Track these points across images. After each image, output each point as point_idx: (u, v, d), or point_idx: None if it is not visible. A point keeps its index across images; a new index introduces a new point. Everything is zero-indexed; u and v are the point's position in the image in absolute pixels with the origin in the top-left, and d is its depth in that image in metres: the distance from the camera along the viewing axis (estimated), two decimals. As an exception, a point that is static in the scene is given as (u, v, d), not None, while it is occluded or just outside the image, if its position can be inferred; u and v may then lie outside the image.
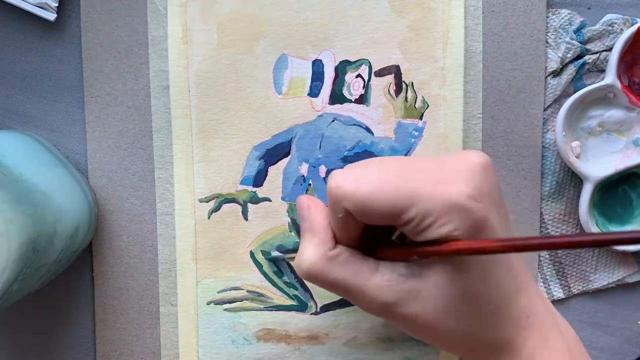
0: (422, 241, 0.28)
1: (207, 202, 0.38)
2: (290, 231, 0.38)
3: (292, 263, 0.31)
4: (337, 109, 0.38)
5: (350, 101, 0.38)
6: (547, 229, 0.40)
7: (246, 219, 0.38)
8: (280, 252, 0.38)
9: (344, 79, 0.38)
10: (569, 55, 0.38)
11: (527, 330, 0.30)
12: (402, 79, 0.38)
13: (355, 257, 0.30)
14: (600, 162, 0.39)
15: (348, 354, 0.39)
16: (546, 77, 0.38)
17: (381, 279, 0.29)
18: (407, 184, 0.27)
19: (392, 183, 0.27)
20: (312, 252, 0.30)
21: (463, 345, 0.30)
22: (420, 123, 0.38)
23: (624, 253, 0.40)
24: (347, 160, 0.38)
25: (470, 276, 0.28)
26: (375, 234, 0.32)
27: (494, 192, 0.29)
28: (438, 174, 0.28)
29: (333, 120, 0.38)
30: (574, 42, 0.38)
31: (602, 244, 0.24)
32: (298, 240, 0.38)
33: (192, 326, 0.39)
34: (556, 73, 0.38)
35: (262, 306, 0.39)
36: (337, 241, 0.31)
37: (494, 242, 0.26)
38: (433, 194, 0.27)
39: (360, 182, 0.28)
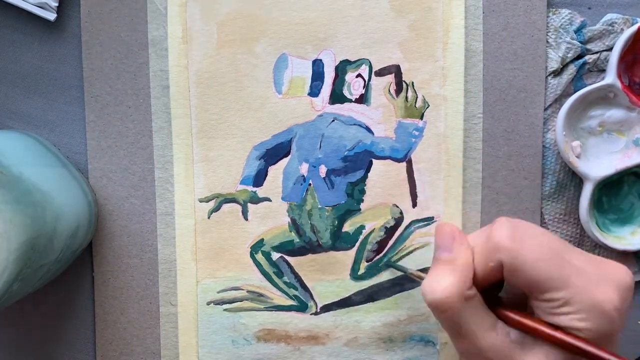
0: (545, 321, 0.29)
1: (207, 202, 0.38)
2: (290, 231, 0.38)
3: (421, 287, 0.31)
4: (337, 108, 0.38)
5: (350, 101, 0.38)
6: (548, 228, 0.39)
7: (246, 219, 0.38)
8: (398, 267, 0.38)
9: (344, 79, 0.38)
10: (569, 55, 0.38)
11: None
12: (403, 79, 0.38)
13: (482, 304, 0.30)
14: (600, 161, 0.39)
15: (348, 354, 0.39)
16: (547, 77, 0.38)
17: (497, 338, 0.30)
18: (570, 268, 0.28)
19: (557, 259, 0.28)
20: (450, 285, 0.29)
21: None
22: (420, 123, 0.38)
23: (624, 253, 0.39)
24: (347, 160, 0.38)
25: None
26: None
27: (626, 313, 0.30)
28: (596, 273, 0.29)
29: (333, 120, 0.38)
30: (574, 41, 0.38)
31: None
32: (298, 240, 0.38)
33: (192, 326, 0.39)
34: (557, 73, 0.38)
35: (262, 306, 0.39)
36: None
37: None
38: (588, 289, 0.28)
39: (527, 242, 0.29)
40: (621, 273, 0.30)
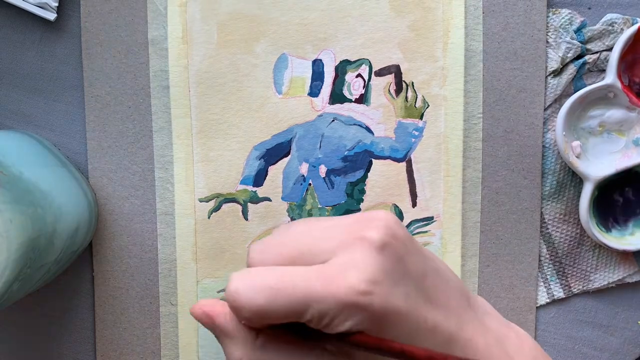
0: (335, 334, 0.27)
1: (207, 201, 0.38)
2: (291, 231, 0.38)
3: None
4: (337, 108, 0.38)
5: (350, 101, 0.38)
6: (548, 229, 0.40)
7: (246, 218, 0.38)
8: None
9: (344, 79, 0.38)
10: (569, 55, 0.38)
11: None
12: (403, 79, 0.38)
13: (280, 339, 0.29)
14: (600, 161, 0.39)
15: (348, 354, 0.39)
16: (546, 77, 0.38)
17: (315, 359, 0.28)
18: (301, 285, 0.26)
19: (287, 287, 0.26)
20: (240, 352, 0.28)
21: None
22: (420, 123, 0.38)
23: (624, 253, 0.40)
24: (347, 159, 0.38)
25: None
26: None
27: (398, 265, 0.27)
28: (334, 263, 0.27)
29: (333, 120, 0.38)
30: (574, 41, 0.38)
31: None
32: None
33: (192, 326, 0.39)
34: (556, 73, 0.38)
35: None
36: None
37: (393, 345, 0.26)
38: (324, 295, 0.26)
39: (256, 289, 0.27)
40: (363, 238, 0.27)
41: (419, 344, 0.27)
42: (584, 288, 0.40)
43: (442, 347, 0.28)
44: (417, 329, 0.27)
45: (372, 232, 0.27)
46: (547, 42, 0.38)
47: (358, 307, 0.26)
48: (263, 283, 0.27)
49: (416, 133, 0.38)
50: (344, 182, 0.38)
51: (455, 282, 0.29)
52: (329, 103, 0.38)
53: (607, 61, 0.38)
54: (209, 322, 0.30)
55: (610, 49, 0.38)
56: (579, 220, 0.39)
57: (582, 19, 0.38)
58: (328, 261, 0.27)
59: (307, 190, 0.38)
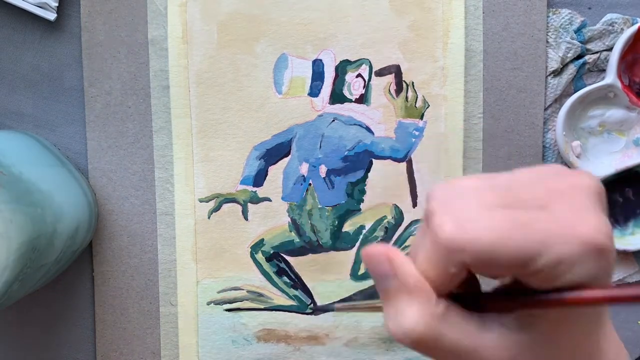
0: (540, 290, 0.24)
1: (207, 202, 0.38)
2: (290, 231, 0.38)
3: (388, 330, 0.25)
4: (338, 108, 0.38)
5: (350, 101, 0.38)
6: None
7: (246, 218, 0.38)
8: (351, 302, 0.35)
9: (344, 79, 0.38)
10: (569, 55, 0.38)
11: None
12: (403, 79, 0.38)
13: (459, 311, 0.25)
14: (600, 161, 0.39)
15: (348, 354, 0.39)
16: (547, 77, 0.38)
17: (493, 336, 0.24)
18: (533, 217, 0.23)
19: (515, 221, 0.23)
20: (417, 315, 0.24)
21: None
22: (420, 123, 0.38)
23: (624, 253, 0.39)
24: (347, 160, 0.38)
25: (580, 329, 0.25)
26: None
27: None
28: (563, 203, 0.23)
29: (333, 120, 0.38)
30: (574, 41, 0.38)
31: None
32: (298, 240, 0.38)
33: (192, 326, 0.39)
34: (557, 73, 0.38)
35: (262, 306, 0.39)
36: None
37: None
38: (566, 236, 0.22)
39: (479, 227, 0.23)
40: (583, 183, 0.24)
41: (602, 326, 0.25)
42: (584, 288, 0.40)
43: (606, 342, 0.26)
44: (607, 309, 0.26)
45: (584, 178, 0.24)
46: (547, 42, 0.38)
47: (604, 251, 0.23)
48: (485, 221, 0.23)
49: (416, 133, 0.38)
50: (344, 182, 0.38)
51: None
52: (329, 103, 0.38)
53: (607, 61, 0.38)
54: (386, 269, 0.25)
55: (610, 49, 0.38)
56: (579, 220, 0.39)
57: (582, 19, 0.38)
58: (547, 208, 0.23)
59: (307, 190, 0.38)
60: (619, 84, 0.37)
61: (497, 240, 0.23)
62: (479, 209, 0.23)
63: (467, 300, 0.25)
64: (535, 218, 0.23)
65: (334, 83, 0.38)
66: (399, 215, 0.38)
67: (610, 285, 0.23)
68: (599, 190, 0.24)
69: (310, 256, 0.39)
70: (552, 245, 0.22)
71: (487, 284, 0.27)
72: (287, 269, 0.39)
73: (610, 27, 0.38)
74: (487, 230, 0.23)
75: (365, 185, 0.38)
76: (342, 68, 0.38)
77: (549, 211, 0.23)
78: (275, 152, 0.38)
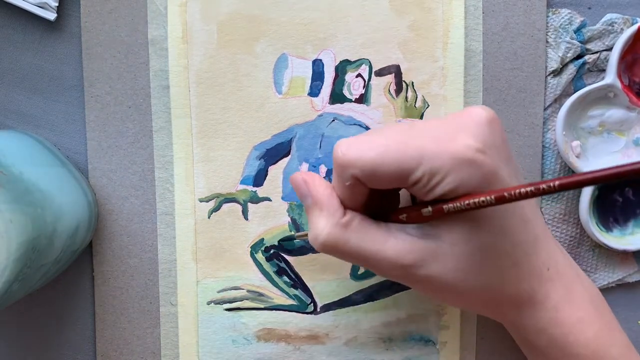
0: (435, 200, 0.28)
1: (207, 201, 0.38)
2: (291, 231, 0.38)
3: (308, 239, 0.31)
4: (337, 108, 0.38)
5: (350, 101, 0.38)
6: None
7: (246, 218, 0.38)
8: (286, 237, 0.38)
9: (344, 79, 0.38)
10: (569, 55, 0.38)
11: (549, 283, 0.30)
12: (403, 79, 0.38)
13: (367, 222, 0.30)
14: (600, 161, 0.39)
15: (348, 353, 0.39)
16: (546, 77, 0.38)
17: (397, 241, 0.29)
18: (413, 142, 0.27)
19: (398, 144, 0.28)
20: (325, 224, 0.30)
21: (484, 302, 0.30)
22: (420, 123, 0.38)
23: (624, 253, 0.40)
24: (347, 160, 0.38)
25: (487, 231, 0.28)
26: (380, 203, 0.32)
27: (502, 146, 0.29)
28: (443, 131, 0.28)
29: (333, 120, 0.38)
30: (574, 41, 0.38)
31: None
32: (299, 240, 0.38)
33: (192, 326, 0.39)
34: (556, 73, 0.38)
35: (262, 306, 0.39)
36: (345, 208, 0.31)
37: (512, 189, 0.26)
38: (439, 151, 0.27)
39: (366, 147, 0.28)
40: (471, 114, 0.29)
41: (511, 227, 0.29)
42: (584, 288, 0.40)
43: (531, 241, 0.30)
44: (512, 210, 0.29)
45: (478, 109, 0.29)
46: (547, 42, 0.38)
47: (473, 164, 0.27)
48: (374, 141, 0.28)
49: (416, 133, 0.38)
50: (344, 182, 0.38)
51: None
52: (329, 103, 0.38)
53: (607, 61, 0.38)
54: (304, 189, 0.31)
55: (610, 49, 0.38)
56: (579, 220, 0.39)
57: (582, 19, 0.38)
58: (426, 130, 0.28)
59: (307, 190, 0.38)
60: (618, 84, 0.37)
61: (377, 156, 0.27)
62: (373, 135, 0.29)
63: (380, 216, 0.30)
64: (415, 137, 0.28)
65: (334, 83, 0.38)
66: (399, 215, 0.38)
67: (492, 192, 0.27)
68: (489, 119, 0.28)
69: (310, 256, 0.39)
70: (425, 158, 0.27)
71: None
72: (287, 268, 0.39)
73: (610, 27, 0.38)
74: (371, 149, 0.28)
75: (365, 185, 0.38)
76: (342, 68, 0.38)
77: (427, 132, 0.28)
78: (275, 152, 0.38)
